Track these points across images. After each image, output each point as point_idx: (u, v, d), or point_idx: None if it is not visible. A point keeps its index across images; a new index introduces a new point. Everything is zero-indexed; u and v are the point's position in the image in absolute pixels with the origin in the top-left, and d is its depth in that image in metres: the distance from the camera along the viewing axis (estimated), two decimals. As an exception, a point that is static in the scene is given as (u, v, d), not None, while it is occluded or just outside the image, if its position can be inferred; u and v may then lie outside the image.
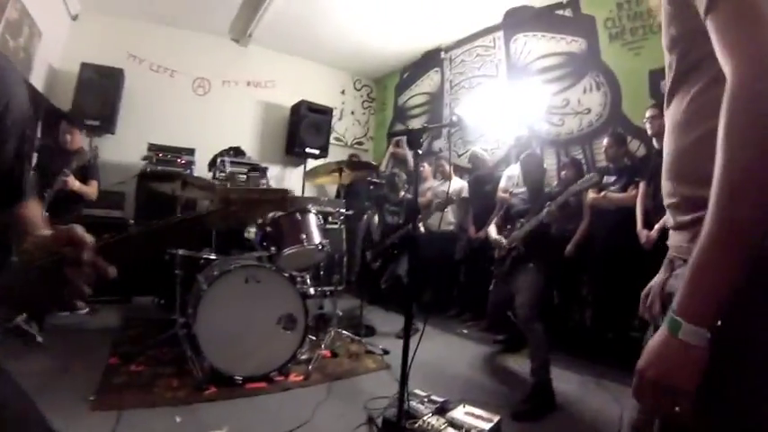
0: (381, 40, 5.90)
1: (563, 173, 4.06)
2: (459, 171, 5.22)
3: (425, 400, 2.29)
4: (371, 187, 4.61)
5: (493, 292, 3.13)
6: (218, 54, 6.09)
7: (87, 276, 0.68)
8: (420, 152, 2.10)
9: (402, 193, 4.38)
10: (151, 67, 5.65)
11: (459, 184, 4.78)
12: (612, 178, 3.50)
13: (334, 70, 7.10)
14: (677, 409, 0.59)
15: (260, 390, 2.52)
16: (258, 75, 6.37)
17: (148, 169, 4.86)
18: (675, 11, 0.72)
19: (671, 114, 0.77)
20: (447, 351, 3.50)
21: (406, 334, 1.96)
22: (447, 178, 4.84)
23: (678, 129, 0.75)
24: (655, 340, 0.63)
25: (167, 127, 5.53)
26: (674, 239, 0.78)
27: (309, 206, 3.28)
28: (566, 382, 2.79)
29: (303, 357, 2.85)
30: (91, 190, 3.73)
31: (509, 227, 3.02)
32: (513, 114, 4.93)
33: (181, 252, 2.93)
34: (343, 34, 5.80)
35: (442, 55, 6.09)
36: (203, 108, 5.95)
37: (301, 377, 2.72)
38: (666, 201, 0.80)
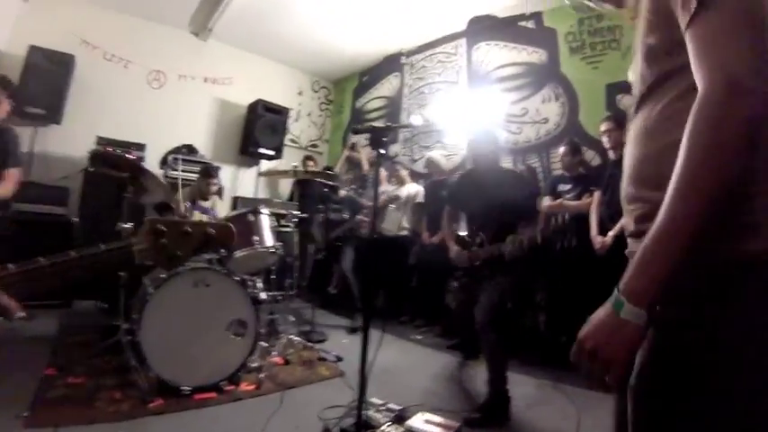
0: (343, 41, 5.84)
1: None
2: (415, 176, 5.22)
3: (382, 408, 2.27)
4: (325, 190, 4.54)
5: (458, 301, 3.11)
6: (175, 47, 5.85)
7: None
8: (383, 152, 2.06)
9: (343, 192, 4.36)
10: (105, 56, 5.32)
11: (414, 189, 4.79)
12: (568, 186, 3.60)
13: (293, 70, 6.99)
14: (608, 376, 0.65)
15: (209, 401, 2.40)
16: (216, 71, 6.17)
17: (93, 153, 4.55)
18: (658, 20, 0.75)
19: (640, 120, 0.80)
20: (402, 357, 3.48)
21: (364, 342, 1.93)
22: (402, 183, 4.86)
23: (647, 135, 0.77)
24: (598, 315, 0.69)
25: (118, 120, 5.23)
26: (635, 247, 0.79)
27: (262, 207, 3.18)
28: (523, 385, 2.84)
29: (254, 365, 2.75)
30: (4, 188, 2.89)
31: (467, 235, 2.95)
32: (471, 121, 4.98)
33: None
34: (304, 34, 5.70)
35: (403, 59, 6.10)
36: (157, 102, 5.68)
37: (253, 386, 2.62)
38: (628, 206, 0.82)
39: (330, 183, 4.49)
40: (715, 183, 0.61)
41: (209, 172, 3.86)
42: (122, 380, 2.46)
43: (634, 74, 0.85)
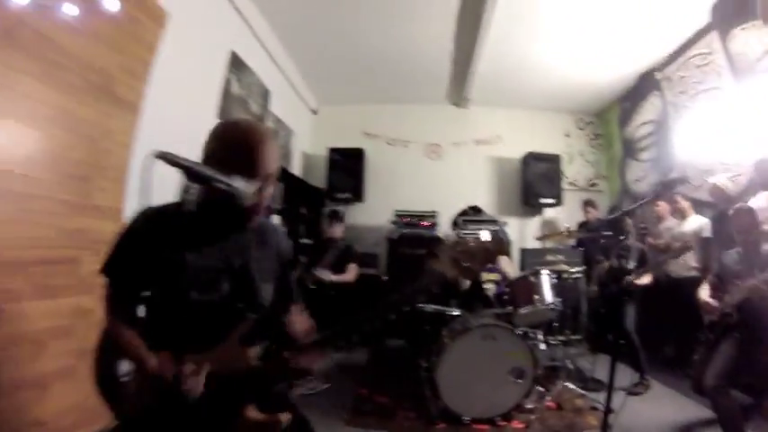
0: (590, 73, 5.64)
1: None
2: (700, 206, 4.33)
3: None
4: (602, 240, 4.29)
5: (698, 360, 2.61)
6: (442, 120, 6.74)
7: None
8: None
9: (631, 240, 3.93)
10: (387, 142, 6.73)
11: (698, 223, 4.11)
12: None
13: (554, 114, 6.87)
14: None
15: (483, 431, 2.76)
16: (483, 132, 6.74)
17: (397, 236, 5.76)
18: None
19: None
20: (679, 415, 3.06)
21: (608, 399, 1.85)
22: (684, 216, 4.24)
23: None
24: None
25: (408, 192, 6.44)
26: None
27: (542, 269, 3.42)
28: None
29: (528, 407, 2.97)
30: (347, 277, 3.99)
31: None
32: (750, 129, 3.84)
33: (429, 308, 3.46)
34: (552, 77, 5.75)
35: (657, 75, 5.31)
36: (438, 171, 6.66)
37: (523, 425, 2.84)
38: None
39: (605, 232, 4.28)
40: None
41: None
42: (416, 404, 3.11)
43: None
